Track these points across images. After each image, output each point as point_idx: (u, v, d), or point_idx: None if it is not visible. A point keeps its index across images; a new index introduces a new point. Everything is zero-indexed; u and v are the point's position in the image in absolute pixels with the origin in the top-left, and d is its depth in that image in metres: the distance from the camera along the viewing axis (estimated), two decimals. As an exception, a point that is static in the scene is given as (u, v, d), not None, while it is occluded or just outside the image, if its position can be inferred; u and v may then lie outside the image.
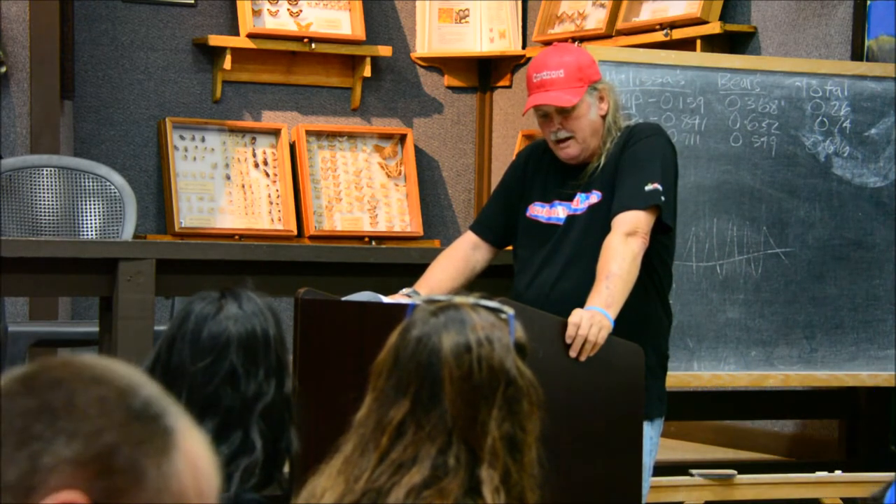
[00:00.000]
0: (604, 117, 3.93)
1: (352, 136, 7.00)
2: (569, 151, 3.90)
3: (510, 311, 2.14)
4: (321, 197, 6.88)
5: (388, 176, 7.05)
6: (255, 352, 2.45)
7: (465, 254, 4.08)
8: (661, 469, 4.46)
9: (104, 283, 4.10)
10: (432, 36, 7.19)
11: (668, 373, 4.02)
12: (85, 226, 5.24)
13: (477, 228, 4.14)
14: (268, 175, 6.79)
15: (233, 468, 2.38)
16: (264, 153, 6.79)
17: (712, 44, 5.99)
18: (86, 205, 5.26)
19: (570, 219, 3.93)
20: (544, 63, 3.91)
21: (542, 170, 4.04)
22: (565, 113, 3.87)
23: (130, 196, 5.28)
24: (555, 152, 3.94)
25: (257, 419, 2.41)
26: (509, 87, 7.25)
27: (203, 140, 6.70)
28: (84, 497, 1.21)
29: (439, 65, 7.24)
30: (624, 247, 3.71)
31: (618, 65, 4.77)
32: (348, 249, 4.54)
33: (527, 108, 3.93)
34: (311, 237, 6.73)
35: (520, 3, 7.18)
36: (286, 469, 2.60)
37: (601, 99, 3.93)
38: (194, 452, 1.28)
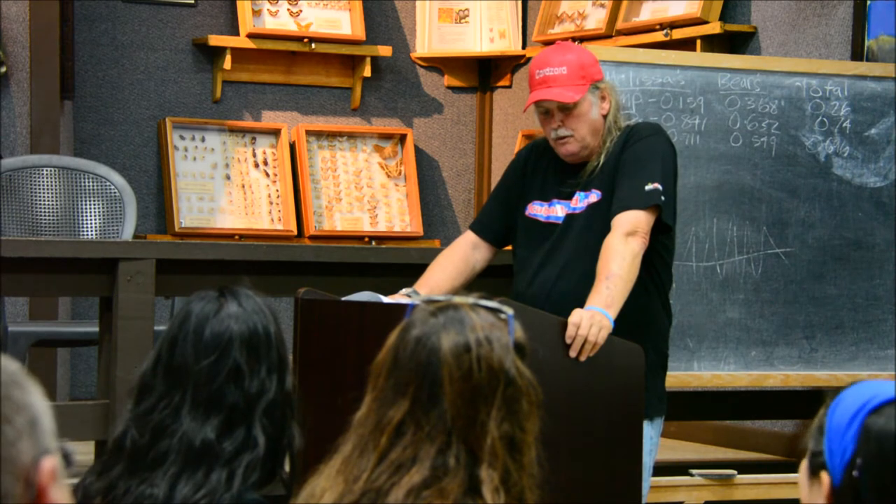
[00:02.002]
0: (605, 117, 3.93)
1: (352, 136, 7.00)
2: (568, 148, 3.90)
3: (509, 311, 2.14)
4: (321, 197, 6.88)
5: (388, 176, 7.05)
6: (258, 349, 2.46)
7: (464, 254, 4.08)
8: (661, 469, 4.46)
9: (104, 283, 4.10)
10: (432, 36, 7.19)
11: (668, 373, 4.02)
12: (85, 226, 5.25)
13: (476, 228, 4.14)
14: (268, 175, 6.79)
15: (236, 465, 2.39)
16: (264, 153, 6.79)
17: (712, 44, 5.99)
18: (86, 205, 5.26)
19: (570, 218, 3.93)
20: (547, 60, 3.91)
21: (541, 169, 4.04)
22: (567, 110, 3.87)
23: (130, 196, 5.29)
24: (554, 149, 3.95)
25: (260, 416, 2.43)
26: (509, 87, 7.25)
27: (203, 140, 6.70)
28: (49, 458, 1.41)
29: (439, 65, 7.24)
30: (624, 246, 3.71)
31: (618, 65, 4.77)
32: (348, 249, 4.53)
33: (528, 104, 3.93)
34: (311, 237, 6.73)
35: (520, 3, 7.18)
36: (287, 468, 2.61)
37: (603, 98, 3.93)
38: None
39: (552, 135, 3.92)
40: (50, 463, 1.39)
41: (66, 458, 1.47)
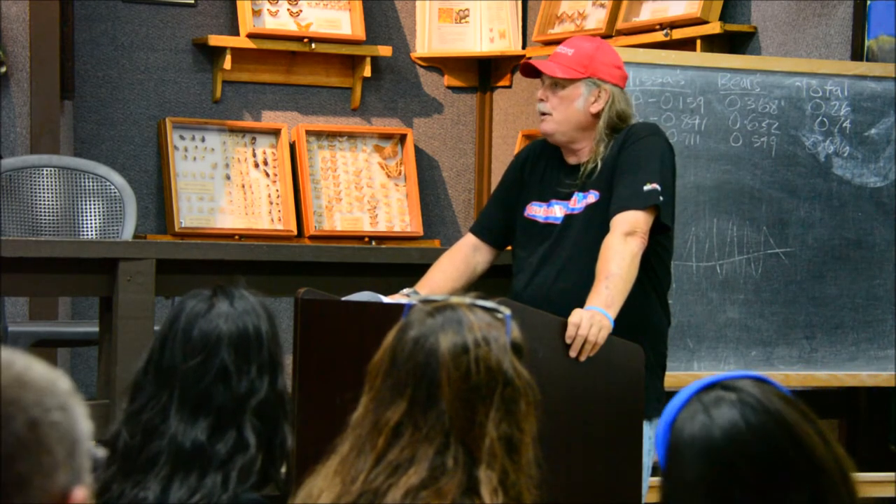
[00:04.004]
0: (596, 116, 3.93)
1: (352, 136, 7.00)
2: (543, 126, 3.98)
3: (506, 310, 2.13)
4: (321, 197, 6.88)
5: (388, 176, 7.04)
6: (247, 349, 2.44)
7: (465, 255, 4.08)
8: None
9: (104, 283, 4.10)
10: (432, 36, 7.19)
11: (668, 373, 4.02)
12: (85, 226, 5.25)
13: (476, 230, 4.14)
14: (268, 175, 6.78)
15: (230, 467, 2.37)
16: (264, 153, 6.79)
17: (712, 44, 5.98)
18: (86, 205, 5.26)
19: (568, 218, 3.93)
20: (568, 42, 4.02)
21: (539, 169, 4.04)
22: (554, 87, 3.92)
23: (130, 196, 5.29)
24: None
25: (250, 416, 2.41)
26: (509, 87, 7.25)
27: (203, 140, 6.69)
28: (81, 488, 1.36)
29: (439, 65, 7.24)
30: (623, 247, 3.71)
31: (618, 65, 4.77)
32: (348, 249, 4.53)
33: (521, 63, 4.01)
34: (311, 237, 6.73)
35: (520, 3, 7.18)
36: (284, 469, 2.60)
37: (597, 97, 3.94)
38: None
39: (537, 107, 3.99)
40: (82, 494, 1.36)
41: (93, 462, 1.44)
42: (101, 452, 1.44)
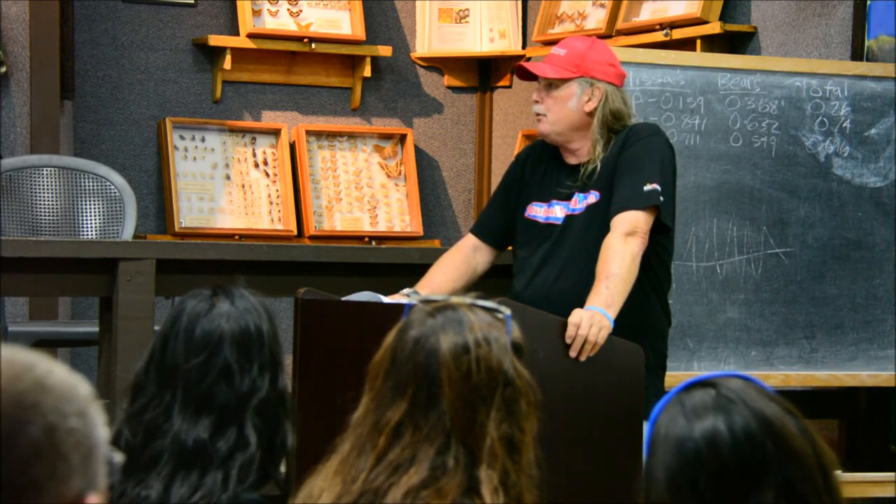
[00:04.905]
0: (590, 115, 3.93)
1: (352, 136, 7.00)
2: (539, 127, 4.01)
3: (506, 310, 2.13)
4: (321, 197, 6.88)
5: (388, 176, 7.04)
6: (249, 348, 2.45)
7: (465, 256, 4.08)
8: (661, 469, 4.45)
9: (104, 283, 4.10)
10: (432, 36, 7.19)
11: (668, 373, 4.02)
12: (85, 226, 5.25)
13: (476, 230, 4.15)
14: (268, 175, 6.78)
15: (230, 465, 2.37)
16: (264, 153, 6.79)
17: (712, 44, 5.98)
18: (86, 205, 5.26)
19: (569, 218, 3.93)
20: (562, 42, 4.05)
21: (540, 170, 4.05)
22: (549, 88, 3.94)
23: (130, 196, 5.29)
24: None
25: (252, 415, 2.41)
26: (509, 87, 7.25)
27: (203, 140, 6.69)
28: (95, 494, 1.38)
29: (439, 65, 7.24)
30: (623, 247, 3.71)
31: (618, 65, 4.77)
32: (348, 249, 4.53)
33: (516, 66, 4.01)
34: (311, 237, 6.73)
35: (520, 3, 7.18)
36: (284, 469, 2.60)
37: (590, 96, 3.94)
38: None
39: (533, 108, 4.02)
40: (96, 499, 1.36)
41: (109, 466, 1.44)
42: (119, 457, 1.44)
